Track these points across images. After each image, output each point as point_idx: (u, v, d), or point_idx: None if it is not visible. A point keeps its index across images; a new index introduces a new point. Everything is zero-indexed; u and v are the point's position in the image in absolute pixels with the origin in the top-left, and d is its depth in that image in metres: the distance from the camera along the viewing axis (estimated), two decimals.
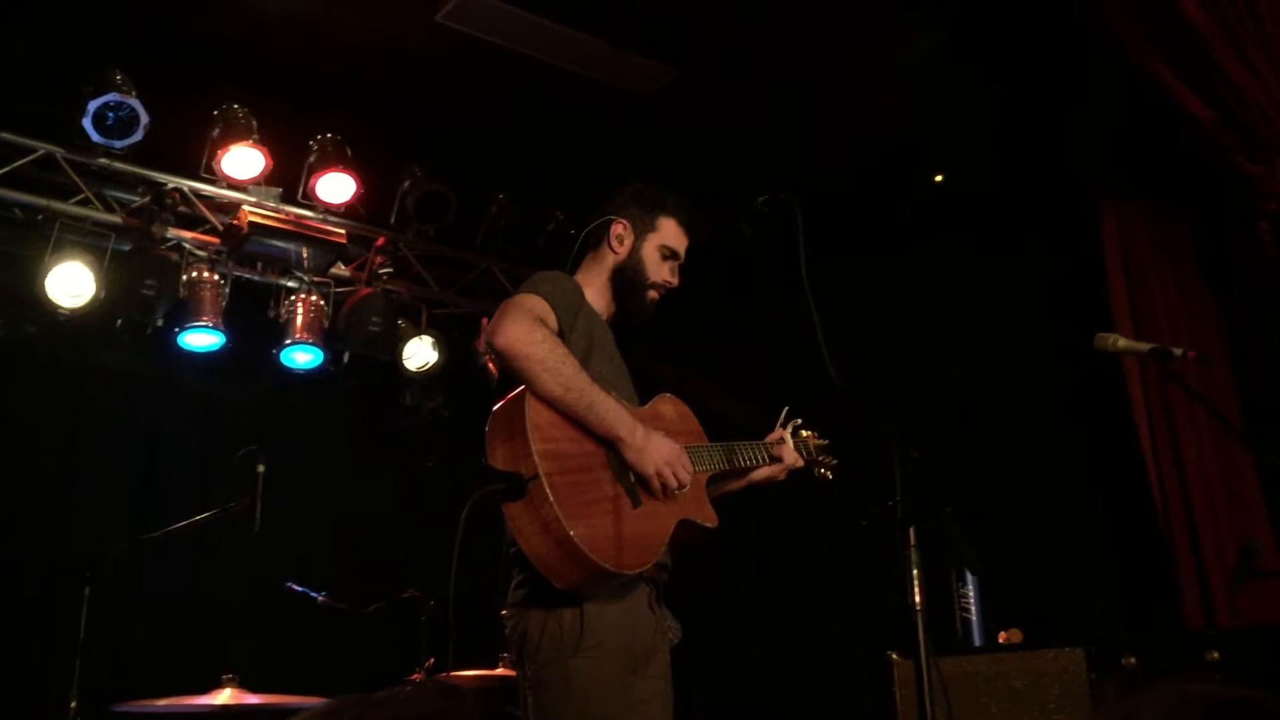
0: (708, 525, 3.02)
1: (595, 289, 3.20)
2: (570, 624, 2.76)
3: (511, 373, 2.85)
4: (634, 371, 3.21)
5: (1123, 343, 3.28)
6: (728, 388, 5.33)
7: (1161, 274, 5.05)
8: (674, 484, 2.88)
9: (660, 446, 2.88)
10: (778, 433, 3.35)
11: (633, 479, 2.85)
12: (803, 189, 2.84)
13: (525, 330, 2.83)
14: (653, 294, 3.22)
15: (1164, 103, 4.47)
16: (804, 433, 3.46)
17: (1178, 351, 3.16)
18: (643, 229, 3.22)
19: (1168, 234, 5.13)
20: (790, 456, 3.30)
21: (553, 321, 2.93)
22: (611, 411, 2.84)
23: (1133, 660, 3.64)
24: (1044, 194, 5.47)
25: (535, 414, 2.77)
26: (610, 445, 2.86)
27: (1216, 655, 3.49)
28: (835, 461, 3.52)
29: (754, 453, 3.25)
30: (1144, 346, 3.24)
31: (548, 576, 2.78)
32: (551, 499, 2.66)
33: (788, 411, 3.40)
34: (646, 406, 3.09)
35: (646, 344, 3.38)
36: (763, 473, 3.29)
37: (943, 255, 5.87)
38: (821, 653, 6.18)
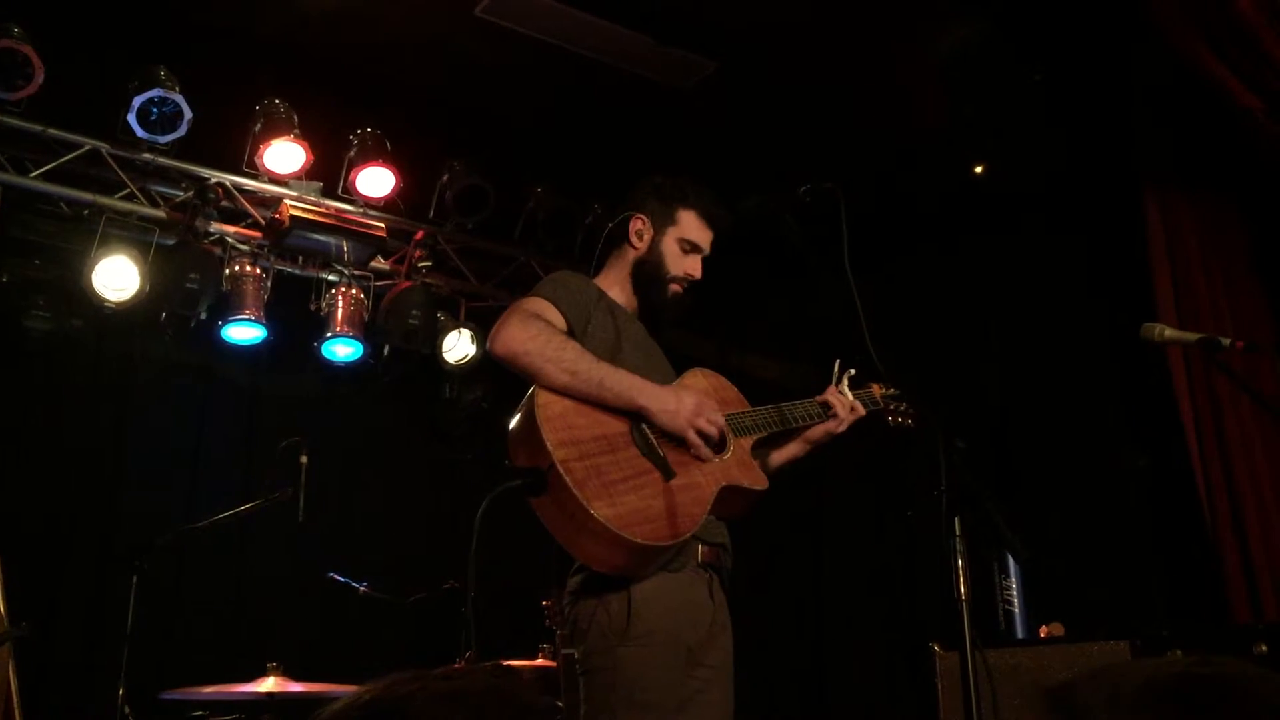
0: (757, 489, 2.96)
1: (618, 284, 3.18)
2: (618, 612, 2.74)
3: (517, 373, 2.84)
4: (677, 357, 3.19)
5: (1169, 333, 3.24)
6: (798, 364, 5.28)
7: (1207, 263, 4.98)
8: (713, 433, 2.84)
9: (685, 400, 2.84)
10: (832, 389, 3.25)
11: (662, 453, 2.81)
12: (844, 180, 2.82)
13: (519, 329, 2.83)
14: (675, 287, 3.17)
15: (1210, 91, 4.42)
16: (873, 385, 3.34)
17: (1225, 341, 3.12)
18: (662, 223, 3.18)
19: (1214, 223, 5.07)
20: (845, 406, 3.19)
21: (554, 317, 2.92)
22: (625, 382, 2.82)
23: (1179, 653, 3.60)
24: (1088, 184, 5.42)
25: (546, 407, 2.76)
26: (635, 420, 2.83)
27: (1264, 648, 3.45)
28: (913, 410, 3.35)
29: (805, 410, 3.17)
30: (1191, 336, 3.20)
31: (588, 563, 2.79)
32: (570, 485, 2.64)
33: (841, 363, 3.27)
34: (674, 382, 3.04)
35: (692, 332, 3.34)
36: (819, 430, 3.19)
37: (986, 246, 5.83)
38: (863, 644, 6.17)
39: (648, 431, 2.85)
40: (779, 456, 3.23)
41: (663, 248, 3.16)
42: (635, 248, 3.18)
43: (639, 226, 3.18)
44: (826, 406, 3.20)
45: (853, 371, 3.29)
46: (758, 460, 3.10)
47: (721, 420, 2.89)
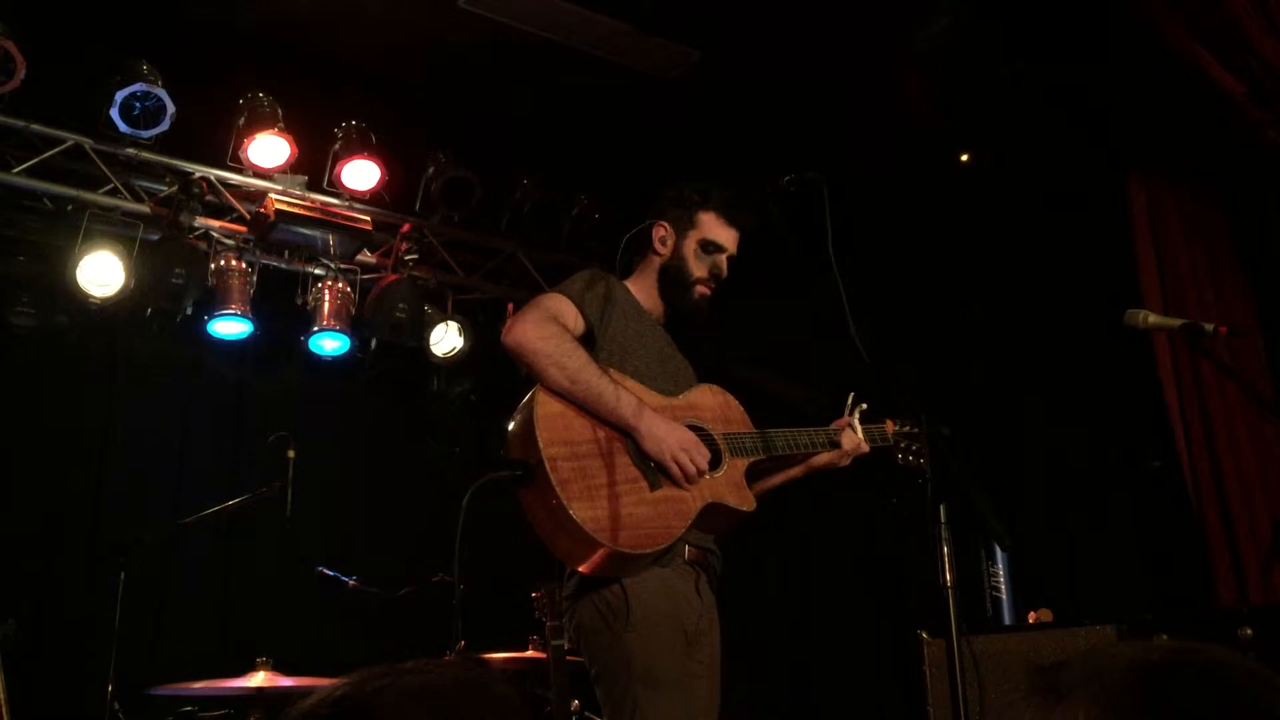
0: (743, 509, 3.01)
1: (645, 290, 3.24)
2: (616, 601, 2.81)
3: (523, 368, 2.92)
4: (708, 369, 3.23)
5: (1153, 319, 3.26)
6: (797, 378, 5.30)
7: (1191, 249, 5.00)
8: (691, 470, 2.89)
9: (672, 433, 2.89)
10: (844, 419, 3.31)
11: (652, 463, 2.88)
12: (827, 169, 2.83)
13: (533, 327, 2.91)
14: (701, 289, 3.23)
15: (1194, 78, 4.42)
16: (887, 421, 3.37)
17: (1209, 327, 3.13)
18: (683, 227, 3.24)
19: (1197, 209, 5.08)
20: (852, 442, 3.25)
21: (572, 317, 2.99)
22: (620, 401, 2.87)
23: (1164, 638, 3.61)
24: (1072, 171, 5.42)
25: (544, 406, 2.84)
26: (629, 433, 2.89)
27: (1249, 632, 3.47)
28: (925, 448, 3.42)
29: (810, 439, 3.23)
30: (1175, 322, 3.22)
31: (567, 561, 2.87)
32: (554, 482, 2.71)
33: (854, 396, 3.32)
34: (680, 396, 3.08)
35: (714, 341, 3.38)
36: (823, 459, 3.26)
37: (971, 234, 5.84)
38: (851, 631, 6.18)
39: None
40: (778, 478, 3.29)
41: (685, 252, 3.22)
42: (660, 254, 3.25)
43: (661, 233, 3.25)
44: (833, 437, 3.25)
45: (864, 406, 3.32)
46: (755, 478, 3.14)
47: (703, 461, 2.92)
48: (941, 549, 2.45)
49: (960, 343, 5.86)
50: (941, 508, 2.47)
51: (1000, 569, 4.21)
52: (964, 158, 5.92)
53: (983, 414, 5.42)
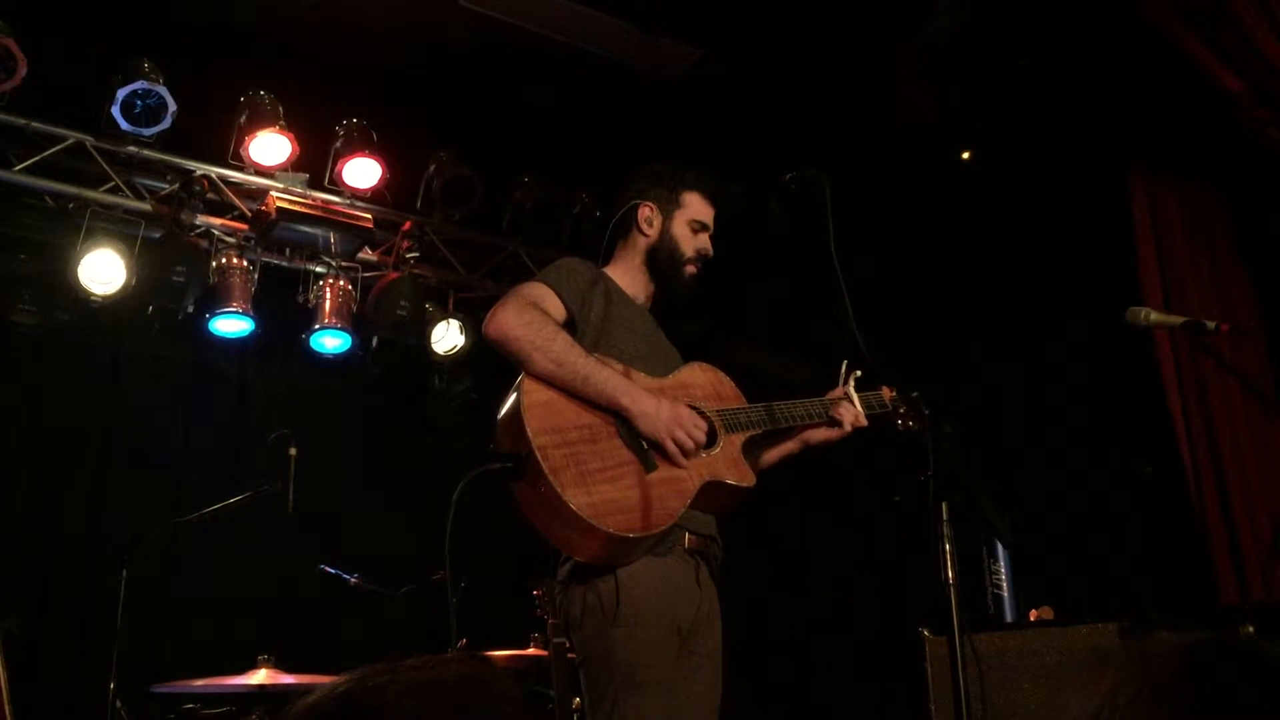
0: (743, 485, 2.97)
1: (629, 273, 3.22)
2: (607, 595, 2.77)
3: (507, 358, 2.89)
4: (686, 347, 3.22)
5: (1155, 316, 3.25)
6: (787, 353, 5.29)
7: (1193, 248, 4.99)
8: (689, 444, 2.85)
9: (665, 410, 2.85)
10: (839, 390, 3.26)
11: (645, 444, 2.83)
12: (830, 166, 2.82)
13: (513, 314, 2.87)
14: (691, 268, 3.23)
15: (1195, 76, 4.42)
16: (883, 388, 3.31)
17: (1210, 325, 3.13)
18: (669, 208, 3.23)
19: (1199, 208, 5.08)
20: (849, 415, 3.20)
21: (553, 305, 2.96)
22: (610, 381, 2.84)
23: (1164, 634, 3.60)
24: (1074, 169, 5.42)
25: (531, 394, 2.80)
26: (619, 414, 2.86)
27: (1251, 629, 3.47)
28: (924, 412, 3.39)
29: (805, 411, 3.18)
30: (1177, 320, 3.21)
31: (567, 551, 2.83)
32: (546, 471, 2.67)
33: (848, 365, 3.26)
34: (670, 375, 3.05)
35: (702, 322, 3.37)
36: (819, 434, 3.23)
37: (973, 232, 5.83)
38: (853, 629, 6.18)
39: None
40: (774, 454, 3.25)
41: (674, 232, 3.22)
42: (646, 235, 3.23)
43: (647, 214, 3.24)
44: (829, 408, 3.21)
45: (859, 373, 3.28)
46: (752, 455, 3.11)
47: (700, 435, 2.90)
48: (943, 546, 2.45)
49: (962, 340, 5.85)
50: (943, 505, 2.47)
51: (1002, 566, 4.21)
52: (965, 156, 5.92)
53: (984, 413, 5.41)
